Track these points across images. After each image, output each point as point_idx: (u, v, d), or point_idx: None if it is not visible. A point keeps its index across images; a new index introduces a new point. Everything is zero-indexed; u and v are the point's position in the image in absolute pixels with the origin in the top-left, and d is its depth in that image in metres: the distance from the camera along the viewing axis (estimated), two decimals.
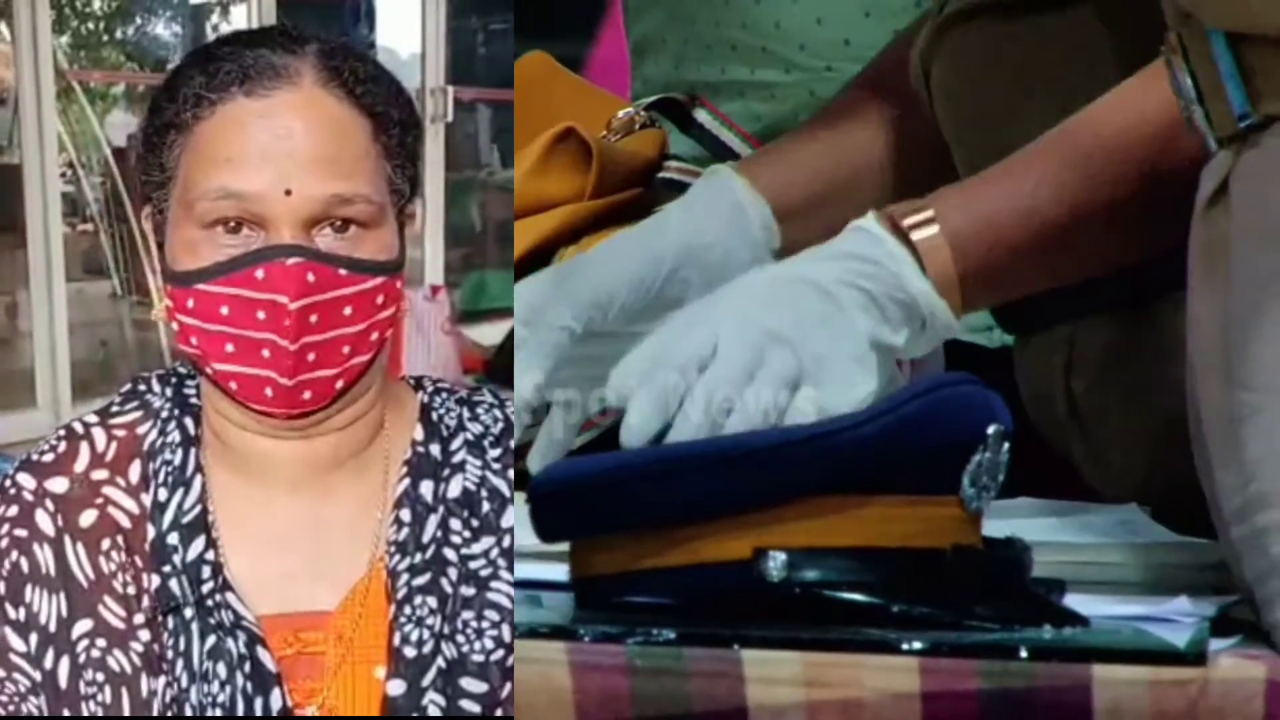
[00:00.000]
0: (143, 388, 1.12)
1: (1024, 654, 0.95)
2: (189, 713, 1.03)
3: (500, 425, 1.12)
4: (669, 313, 1.18)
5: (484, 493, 1.09)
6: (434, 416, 1.12)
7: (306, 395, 1.04)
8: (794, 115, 1.60)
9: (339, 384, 1.05)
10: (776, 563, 0.99)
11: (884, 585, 1.00)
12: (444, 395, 1.13)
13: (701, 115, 1.30)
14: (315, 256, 1.02)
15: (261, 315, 1.02)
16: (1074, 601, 1.03)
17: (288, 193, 1.02)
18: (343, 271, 1.03)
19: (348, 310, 1.03)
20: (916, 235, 1.15)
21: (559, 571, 1.06)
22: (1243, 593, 1.02)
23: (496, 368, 3.30)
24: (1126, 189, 1.16)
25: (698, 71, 1.64)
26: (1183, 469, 1.02)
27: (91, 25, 4.55)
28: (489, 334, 4.24)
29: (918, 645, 0.96)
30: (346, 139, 1.04)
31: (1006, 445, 1.02)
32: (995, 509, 1.03)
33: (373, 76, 1.07)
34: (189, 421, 1.09)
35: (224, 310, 1.03)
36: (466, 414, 1.12)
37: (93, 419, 1.11)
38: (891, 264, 1.14)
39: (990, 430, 1.01)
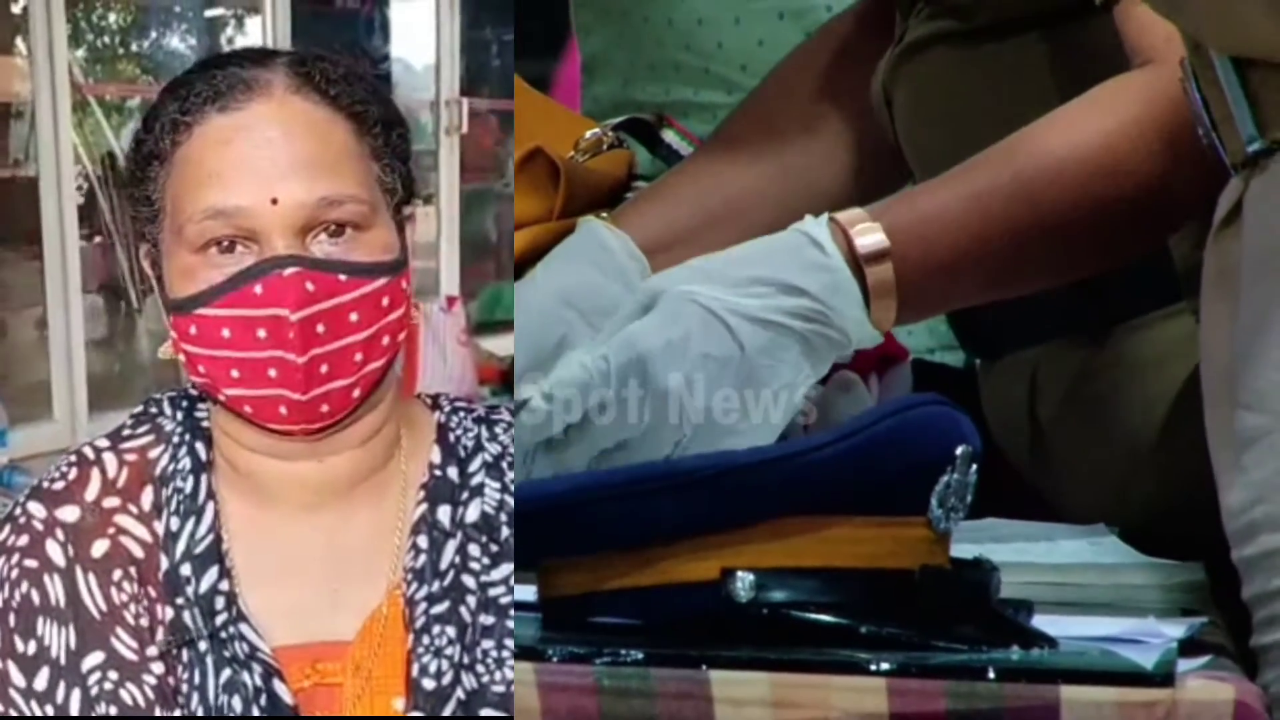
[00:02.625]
0: (154, 410, 1.10)
1: (992, 675, 0.95)
2: None
3: None
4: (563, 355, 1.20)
5: (503, 516, 1.07)
6: (451, 437, 1.10)
7: (325, 408, 1.02)
8: None
9: (356, 393, 1.03)
10: (744, 583, 1.00)
11: (852, 606, 1.00)
12: (461, 414, 1.11)
13: (669, 135, 1.31)
14: (312, 264, 1.01)
15: (263, 334, 1.00)
16: (1042, 622, 1.03)
17: (274, 201, 1.00)
18: (342, 277, 1.01)
19: (354, 316, 1.02)
20: (860, 240, 1.16)
21: (527, 592, 1.05)
22: (1213, 614, 1.02)
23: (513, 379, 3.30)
24: (1062, 208, 1.17)
25: (644, 91, 1.65)
26: (1147, 494, 1.03)
27: (107, 39, 4.56)
28: (505, 345, 4.24)
29: (886, 666, 0.96)
30: (327, 141, 1.03)
31: (974, 466, 1.02)
32: (963, 529, 1.03)
33: (345, 76, 1.05)
34: (200, 446, 1.08)
35: (225, 333, 1.01)
36: (485, 434, 1.10)
37: (104, 443, 1.09)
38: (829, 296, 1.16)
39: (958, 451, 1.01)
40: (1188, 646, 1.00)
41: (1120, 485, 1.24)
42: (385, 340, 1.04)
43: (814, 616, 1.00)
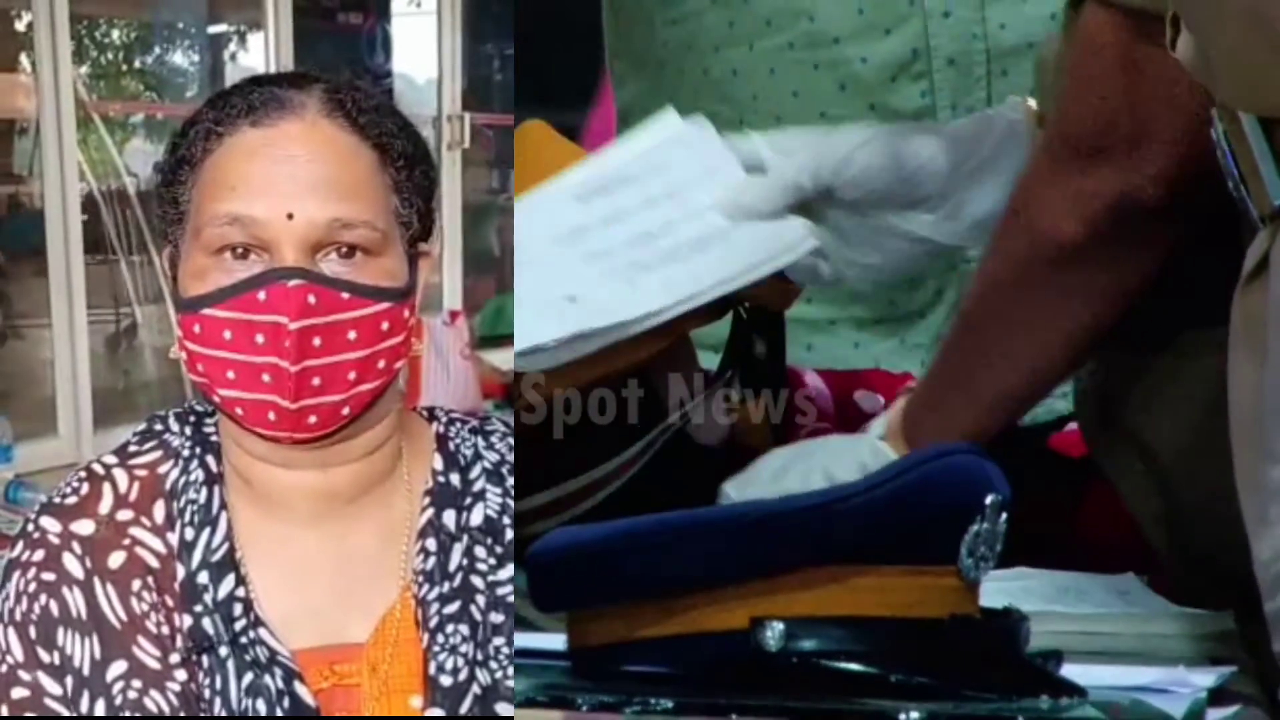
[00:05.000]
0: (159, 427, 1.12)
1: None
2: None
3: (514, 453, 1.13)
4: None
5: (506, 520, 1.09)
6: (451, 446, 1.12)
7: (312, 420, 1.04)
8: None
9: (345, 410, 1.05)
10: (774, 632, 1.00)
11: (881, 655, 1.00)
12: (458, 425, 1.14)
13: None
14: (317, 279, 1.03)
15: (261, 339, 1.02)
16: (1071, 672, 1.03)
17: (290, 216, 1.03)
18: (345, 295, 1.03)
19: (352, 335, 1.04)
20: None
21: (557, 641, 1.06)
22: (1242, 662, 1.02)
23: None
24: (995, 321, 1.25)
25: None
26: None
27: (110, 56, 4.57)
28: (508, 359, 4.23)
29: (915, 715, 0.96)
30: (349, 166, 1.05)
31: (1004, 515, 1.02)
32: (992, 579, 1.03)
33: (377, 108, 1.08)
34: (210, 459, 1.09)
35: (226, 335, 1.03)
36: (482, 443, 1.13)
37: (112, 459, 1.10)
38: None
39: (988, 500, 1.01)
40: (1217, 695, 1.01)
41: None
42: (381, 363, 1.05)
43: (843, 665, 1.00)
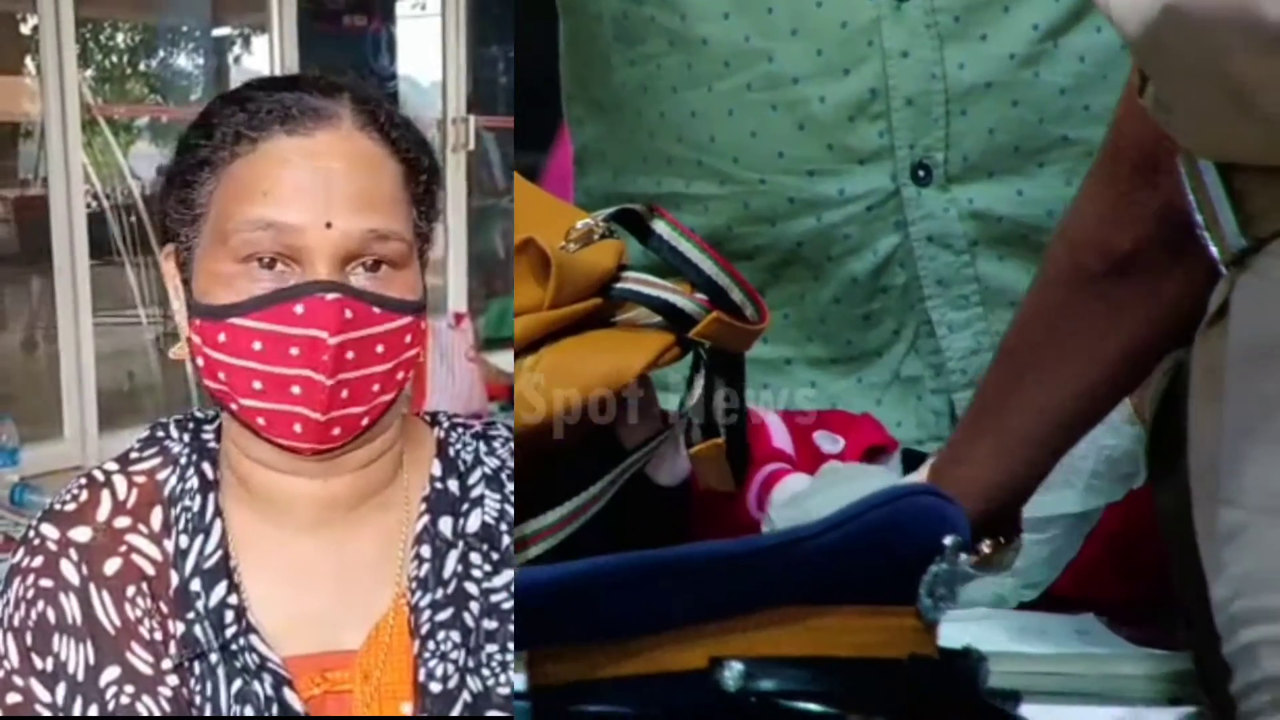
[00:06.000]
0: (161, 434, 1.13)
1: None
2: None
3: None
4: None
5: (503, 526, 1.10)
6: (451, 452, 1.13)
7: (336, 431, 1.05)
8: (728, 227, 1.62)
9: (365, 420, 1.06)
10: (733, 672, 0.99)
11: (840, 695, 1.00)
12: (460, 430, 1.14)
13: (659, 226, 1.31)
14: (353, 293, 1.04)
15: (295, 351, 1.03)
16: (1030, 712, 1.03)
17: (329, 225, 1.03)
18: (376, 310, 1.05)
19: (380, 348, 1.05)
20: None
21: (517, 681, 1.06)
22: (1202, 704, 1.02)
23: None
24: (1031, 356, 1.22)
25: (635, 183, 1.66)
26: None
27: (115, 59, 4.58)
28: (513, 361, 4.22)
29: None
30: (382, 179, 1.06)
31: (963, 555, 1.02)
32: (952, 619, 1.03)
33: (404, 123, 1.09)
34: (207, 466, 1.10)
35: (256, 346, 1.03)
36: (483, 448, 1.13)
37: (113, 466, 1.12)
38: None
39: (947, 540, 1.01)
40: None
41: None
42: (400, 374, 1.07)
43: (803, 705, 0.99)
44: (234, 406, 1.06)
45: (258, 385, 1.04)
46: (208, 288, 1.06)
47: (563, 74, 1.76)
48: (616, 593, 1.01)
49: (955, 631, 1.04)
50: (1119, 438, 1.32)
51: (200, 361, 1.06)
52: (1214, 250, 1.00)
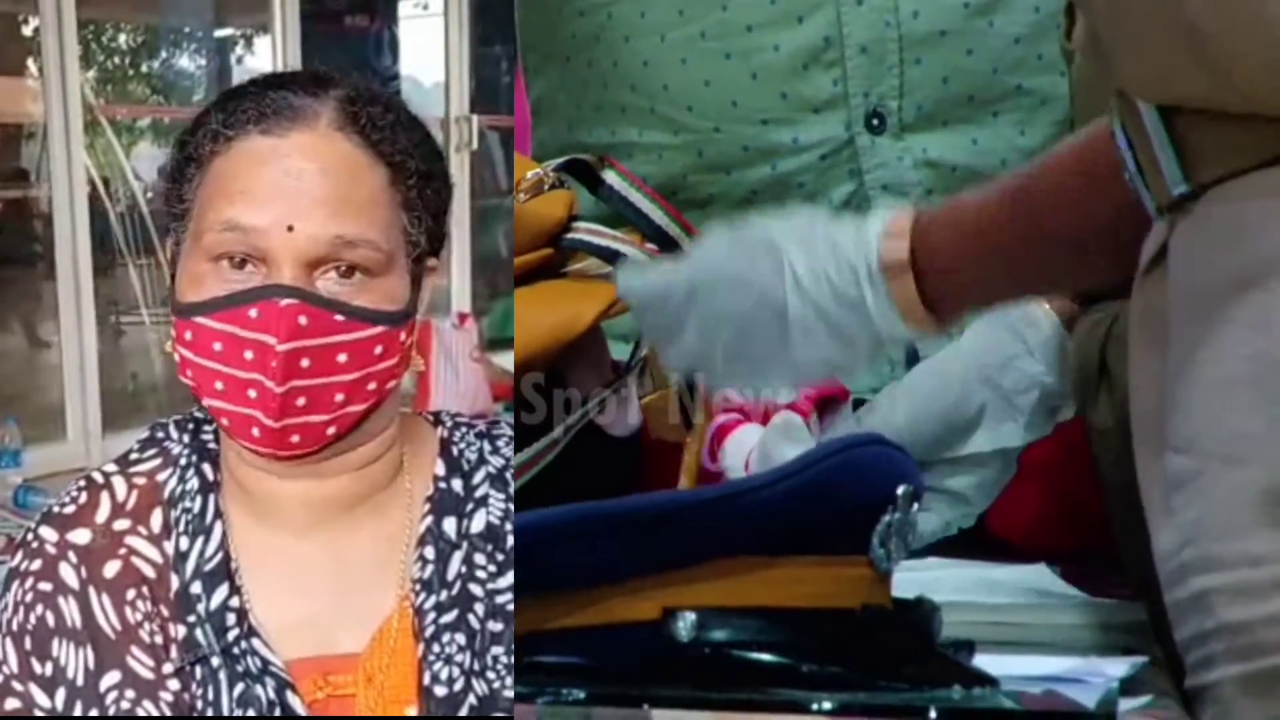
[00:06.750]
0: (161, 434, 1.12)
1: (933, 714, 0.95)
2: None
3: None
4: None
5: (508, 526, 1.09)
6: (454, 451, 1.11)
7: (295, 439, 1.04)
8: (682, 176, 1.62)
9: (330, 430, 1.04)
10: (686, 623, 0.99)
11: (794, 645, 1.00)
12: (463, 429, 1.13)
13: (610, 176, 1.31)
14: (311, 299, 1.02)
15: (249, 355, 1.02)
16: (983, 662, 1.03)
17: (290, 229, 1.01)
18: (339, 317, 1.02)
19: (342, 357, 1.03)
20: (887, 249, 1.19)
21: None
22: (1154, 654, 1.01)
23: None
24: (1057, 220, 1.16)
25: (589, 133, 1.66)
26: None
27: (117, 60, 4.60)
28: None
29: (827, 705, 0.96)
30: (358, 182, 1.04)
31: (916, 505, 1.01)
32: (905, 569, 1.03)
33: (393, 124, 1.06)
34: (207, 467, 1.09)
35: (216, 346, 1.02)
36: (488, 447, 1.12)
37: (112, 468, 1.11)
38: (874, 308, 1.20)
39: (899, 490, 1.01)
40: (1129, 685, 1.00)
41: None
42: (371, 385, 1.05)
43: (756, 656, 0.99)
44: (205, 405, 1.06)
45: (219, 385, 1.03)
46: (183, 285, 1.05)
47: (518, 24, 1.76)
48: (568, 544, 1.01)
49: (909, 582, 1.04)
50: (1053, 374, 1.33)
51: (177, 358, 1.06)
52: (1148, 199, 1.00)
